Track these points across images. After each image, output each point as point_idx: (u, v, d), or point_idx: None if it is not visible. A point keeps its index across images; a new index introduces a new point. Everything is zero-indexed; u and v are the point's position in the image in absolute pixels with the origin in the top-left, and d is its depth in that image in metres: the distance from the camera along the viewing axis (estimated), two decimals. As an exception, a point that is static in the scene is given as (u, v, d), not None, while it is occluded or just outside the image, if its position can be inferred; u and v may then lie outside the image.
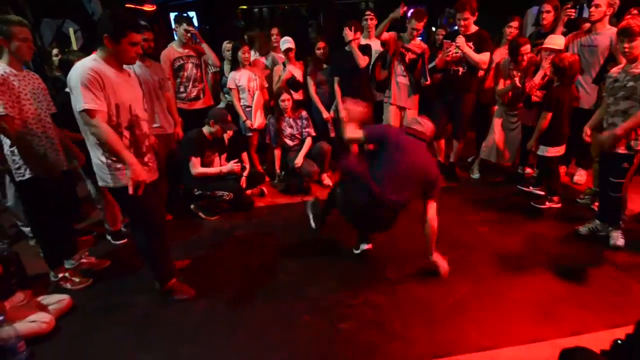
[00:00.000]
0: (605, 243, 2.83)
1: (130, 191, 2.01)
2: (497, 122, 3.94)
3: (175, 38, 4.03)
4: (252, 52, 4.37)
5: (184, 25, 3.83)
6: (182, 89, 3.92)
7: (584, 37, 3.50)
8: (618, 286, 2.43)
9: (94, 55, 2.09)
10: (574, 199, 3.53)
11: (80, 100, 1.95)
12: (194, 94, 3.98)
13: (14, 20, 2.32)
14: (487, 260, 2.74)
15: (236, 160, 3.62)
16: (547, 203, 3.42)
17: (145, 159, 2.26)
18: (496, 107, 3.97)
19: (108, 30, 2.01)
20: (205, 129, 3.47)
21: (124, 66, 2.20)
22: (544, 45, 3.41)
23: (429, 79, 3.89)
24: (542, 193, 3.52)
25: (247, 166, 4.05)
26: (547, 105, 3.17)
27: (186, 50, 3.88)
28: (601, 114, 2.86)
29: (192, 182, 3.52)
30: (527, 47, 3.53)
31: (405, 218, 3.34)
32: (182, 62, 3.85)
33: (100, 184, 2.20)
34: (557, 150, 3.28)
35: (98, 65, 2.03)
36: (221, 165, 3.63)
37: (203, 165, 3.51)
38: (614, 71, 2.72)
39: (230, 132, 3.83)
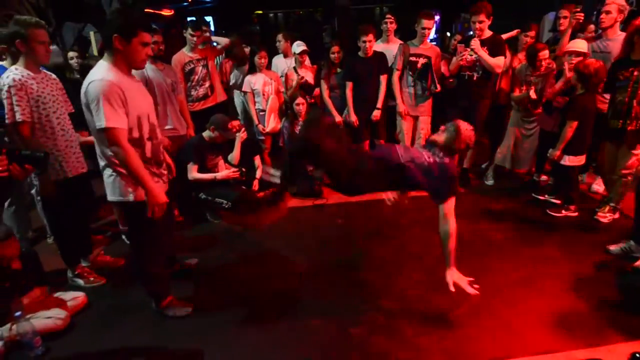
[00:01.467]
0: (623, 256, 2.76)
1: (149, 213, 1.98)
2: (512, 129, 3.88)
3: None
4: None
5: (190, 30, 3.87)
6: (192, 92, 3.96)
7: (595, 43, 3.43)
8: (637, 299, 2.36)
9: (103, 63, 1.94)
10: (591, 208, 3.45)
11: (101, 118, 1.83)
12: (202, 92, 4.01)
13: (32, 22, 2.30)
14: (500, 268, 2.70)
15: (235, 170, 3.58)
16: (563, 212, 3.36)
17: (163, 168, 2.22)
18: (512, 113, 3.92)
19: (118, 29, 1.87)
20: (206, 134, 3.49)
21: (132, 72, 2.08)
22: (567, 49, 3.33)
23: (438, 86, 3.87)
24: (558, 202, 3.46)
25: (260, 169, 4.08)
26: (573, 113, 3.06)
27: (196, 55, 3.93)
28: None
29: (198, 187, 3.55)
30: (545, 53, 3.48)
31: (417, 224, 3.34)
32: (192, 65, 3.90)
33: (111, 198, 2.07)
34: (579, 160, 3.19)
35: (116, 76, 1.90)
36: (227, 169, 3.65)
37: (206, 169, 3.53)
38: None
39: (243, 135, 3.87)
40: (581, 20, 3.53)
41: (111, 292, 2.64)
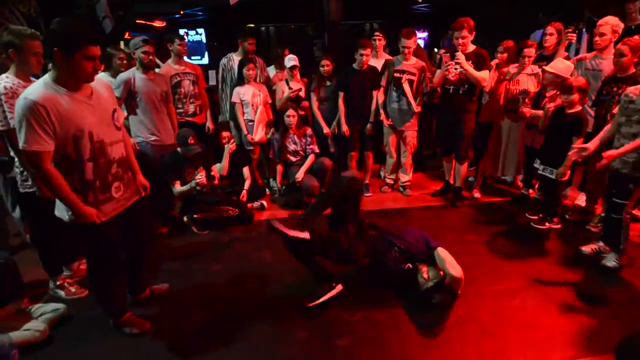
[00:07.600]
0: (593, 256, 2.89)
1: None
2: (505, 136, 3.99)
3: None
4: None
5: (177, 42, 3.89)
6: (179, 105, 3.95)
7: (589, 61, 3.48)
8: (620, 311, 2.40)
9: (45, 77, 1.83)
10: (574, 220, 3.53)
11: (22, 138, 1.74)
12: (192, 110, 4.03)
13: (27, 33, 2.30)
14: (486, 280, 2.72)
15: (201, 173, 3.48)
16: (547, 224, 3.42)
17: (112, 190, 2.03)
18: (501, 123, 3.98)
19: (58, 43, 1.74)
20: (179, 149, 3.50)
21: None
22: (546, 68, 3.38)
23: (418, 107, 3.94)
24: (540, 215, 3.51)
25: (248, 180, 4.08)
26: (579, 130, 3.05)
27: (182, 67, 3.93)
28: (610, 132, 2.74)
29: (189, 198, 3.57)
30: (531, 50, 3.58)
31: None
32: (178, 78, 3.90)
33: (57, 213, 2.01)
34: (569, 174, 3.22)
35: (46, 93, 1.75)
36: (209, 177, 3.65)
37: (185, 182, 3.51)
38: (632, 91, 2.60)
39: (233, 146, 3.88)
40: (573, 41, 3.63)
41: (92, 305, 2.54)
